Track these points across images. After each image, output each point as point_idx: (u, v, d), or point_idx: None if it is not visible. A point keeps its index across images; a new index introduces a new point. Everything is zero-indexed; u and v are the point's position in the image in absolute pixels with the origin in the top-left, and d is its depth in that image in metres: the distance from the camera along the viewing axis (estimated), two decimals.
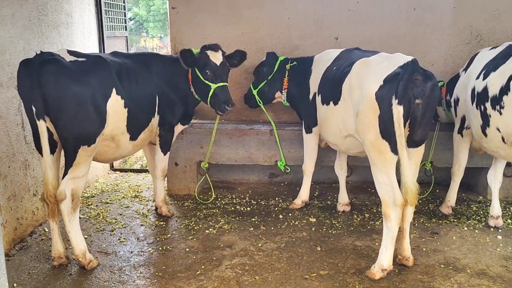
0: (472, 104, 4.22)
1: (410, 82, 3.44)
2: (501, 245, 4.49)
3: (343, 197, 5.26)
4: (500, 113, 3.72)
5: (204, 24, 5.94)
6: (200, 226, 4.92)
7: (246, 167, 6.19)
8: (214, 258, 4.23)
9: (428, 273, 3.98)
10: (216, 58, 4.72)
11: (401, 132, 3.45)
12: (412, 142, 3.68)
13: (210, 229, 4.83)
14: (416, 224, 4.96)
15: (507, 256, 4.27)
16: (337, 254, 4.31)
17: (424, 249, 4.41)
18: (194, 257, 4.27)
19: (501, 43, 5.84)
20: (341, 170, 5.15)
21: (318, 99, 4.52)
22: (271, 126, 5.54)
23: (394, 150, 3.56)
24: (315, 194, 5.88)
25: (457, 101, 4.70)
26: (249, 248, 4.43)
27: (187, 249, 4.41)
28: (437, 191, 5.83)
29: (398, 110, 3.45)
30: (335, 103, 4.10)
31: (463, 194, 5.84)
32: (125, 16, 7.43)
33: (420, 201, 5.58)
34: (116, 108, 4.09)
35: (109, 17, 6.73)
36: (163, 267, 4.10)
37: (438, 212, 5.19)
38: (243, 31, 5.96)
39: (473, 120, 4.26)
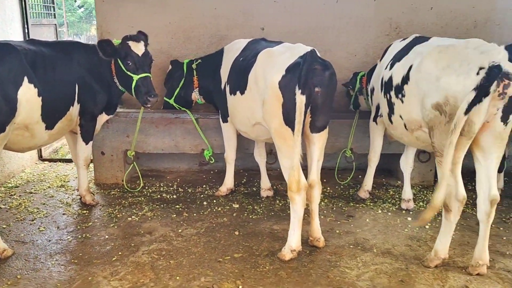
0: (381, 92, 4.45)
1: (310, 72, 3.60)
2: (409, 226, 4.77)
3: (265, 183, 5.43)
4: (402, 101, 3.94)
5: (131, 13, 5.92)
6: (123, 214, 4.95)
7: (175, 155, 6.25)
8: (132, 245, 4.28)
9: (337, 253, 4.19)
10: (138, 48, 4.74)
11: (300, 119, 3.61)
12: (314, 128, 3.87)
13: (133, 217, 4.87)
14: (334, 208, 5.19)
15: (413, 236, 4.55)
16: (253, 237, 4.46)
17: (337, 231, 4.63)
18: (113, 244, 4.30)
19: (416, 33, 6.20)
20: (260, 157, 5.30)
21: (227, 89, 4.65)
22: (197, 114, 5.63)
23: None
24: (243, 181, 6.02)
25: (372, 90, 4.94)
26: (168, 234, 4.51)
27: (107, 237, 4.44)
28: (360, 177, 6.08)
29: (301, 99, 3.61)
30: (242, 93, 4.22)
31: (383, 179, 6.14)
32: (53, 3, 7.25)
33: (341, 186, 5.85)
34: (28, 96, 4.04)
35: (35, 4, 6.56)
36: (80, 254, 4.12)
37: (356, 196, 5.45)
38: (171, 21, 5.98)
39: (383, 108, 4.49)
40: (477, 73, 3.32)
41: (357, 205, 5.28)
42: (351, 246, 4.32)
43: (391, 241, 4.44)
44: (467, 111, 3.29)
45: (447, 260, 4.03)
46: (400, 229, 4.71)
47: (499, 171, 5.62)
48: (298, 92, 3.61)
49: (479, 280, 3.76)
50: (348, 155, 5.69)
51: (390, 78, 4.13)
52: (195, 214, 4.97)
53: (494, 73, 3.26)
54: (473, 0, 6.06)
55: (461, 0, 6.05)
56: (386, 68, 4.38)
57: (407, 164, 5.10)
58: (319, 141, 3.95)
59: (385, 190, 5.79)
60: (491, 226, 4.69)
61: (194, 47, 6.14)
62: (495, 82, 3.26)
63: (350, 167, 5.92)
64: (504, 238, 4.55)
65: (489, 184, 3.66)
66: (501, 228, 4.76)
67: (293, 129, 3.72)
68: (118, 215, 4.91)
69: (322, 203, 5.31)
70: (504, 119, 3.49)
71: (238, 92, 4.31)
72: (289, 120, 3.71)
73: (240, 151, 5.80)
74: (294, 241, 3.98)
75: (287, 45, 4.12)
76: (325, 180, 6.06)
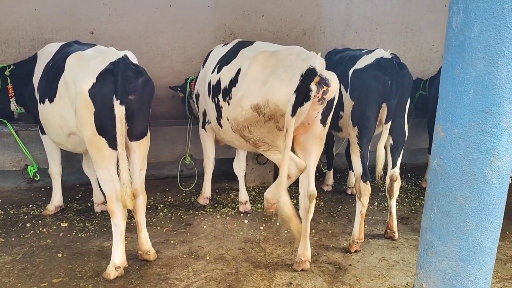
0: (209, 96, 4.41)
1: (123, 79, 3.41)
2: (245, 229, 4.82)
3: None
4: (229, 104, 3.94)
5: None
6: None
7: None
8: None
9: (169, 265, 4.03)
10: None
11: (122, 131, 3.42)
12: (133, 136, 3.69)
13: None
14: (173, 217, 5.04)
15: (247, 238, 4.60)
16: (78, 258, 4.10)
17: (172, 241, 4.48)
18: None
19: (251, 40, 6.36)
20: (89, 169, 4.95)
21: (36, 97, 4.25)
22: (16, 126, 5.06)
23: (113, 145, 3.50)
24: (77, 197, 5.58)
25: (198, 96, 4.89)
26: None
27: None
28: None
29: (120, 110, 3.41)
30: (51, 101, 3.87)
31: (226, 184, 6.18)
32: None
33: (184, 194, 5.74)
34: None
35: None
36: None
37: (196, 203, 5.37)
38: None
39: (211, 113, 4.46)
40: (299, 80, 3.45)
41: (197, 213, 5.20)
42: (185, 256, 4.21)
43: (225, 246, 4.43)
44: (293, 114, 3.39)
45: (275, 260, 4.14)
46: (236, 232, 4.73)
47: (328, 169, 6.01)
48: (116, 102, 3.40)
49: (303, 276, 3.91)
50: (188, 162, 5.60)
51: (218, 82, 4.12)
52: (13, 239, 4.43)
53: (309, 76, 3.40)
54: (301, 10, 6.41)
55: (290, 9, 6.36)
56: (213, 72, 4.36)
57: (240, 167, 5.18)
58: (139, 149, 3.77)
59: (227, 194, 5.81)
60: (320, 221, 5.02)
61: (14, 52, 5.54)
62: (315, 89, 3.42)
63: (193, 174, 5.83)
64: (330, 231, 4.84)
65: (308, 181, 3.85)
66: (328, 223, 5.06)
67: (107, 139, 3.50)
68: None
69: (161, 213, 5.15)
70: (323, 122, 3.70)
71: (47, 100, 3.93)
72: (102, 130, 3.47)
73: (72, 164, 5.37)
74: (117, 257, 3.73)
75: (100, 48, 3.86)
76: (167, 189, 5.92)
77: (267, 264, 4.08)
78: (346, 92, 4.25)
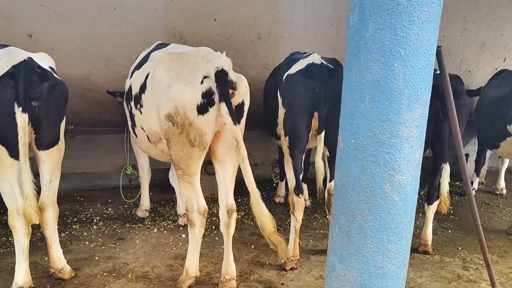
0: (124, 104, 4.15)
1: (25, 84, 3.13)
2: (180, 243, 4.53)
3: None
4: (141, 112, 3.67)
5: None
6: None
7: None
8: None
9: (84, 284, 3.74)
10: None
11: (25, 141, 3.14)
12: (41, 145, 3.40)
13: None
14: (106, 231, 4.75)
15: (179, 254, 4.31)
16: None
17: (97, 257, 4.19)
18: None
19: (203, 44, 6.10)
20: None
21: None
22: None
23: (14, 155, 3.21)
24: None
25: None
26: None
27: None
28: (151, 194, 5.74)
29: (23, 118, 3.13)
30: None
31: (174, 195, 5.88)
32: None
33: (126, 206, 5.45)
34: None
35: None
36: None
37: (135, 216, 5.08)
38: None
39: (128, 121, 4.17)
40: (201, 82, 3.20)
41: (134, 226, 4.91)
42: (105, 274, 3.91)
43: (152, 262, 4.14)
44: (234, 120, 3.17)
45: (203, 278, 3.85)
46: (169, 248, 4.44)
47: (281, 180, 5.73)
48: (18, 109, 3.12)
49: None
50: (130, 172, 5.31)
51: (130, 88, 3.85)
52: None
53: (221, 78, 3.15)
54: (256, 13, 6.16)
55: (244, 13, 6.10)
56: (129, 77, 4.10)
57: (175, 178, 4.89)
58: (48, 159, 3.48)
59: (172, 206, 5.53)
60: (263, 236, 4.72)
61: None
62: (223, 89, 3.16)
63: (138, 185, 5.54)
64: (271, 247, 4.52)
65: (226, 195, 3.58)
66: None
67: (8, 148, 3.22)
68: None
69: (95, 226, 4.86)
70: None
71: None
72: (2, 138, 3.19)
73: None
74: (20, 277, 3.44)
75: (9, 50, 3.56)
76: (110, 201, 5.63)
77: (191, 284, 3.78)
78: (280, 99, 3.99)
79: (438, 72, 4.64)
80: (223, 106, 3.10)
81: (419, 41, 2.09)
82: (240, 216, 5.27)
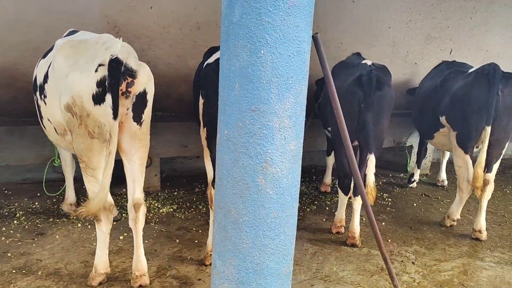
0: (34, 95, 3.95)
1: None
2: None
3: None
4: (45, 103, 3.50)
5: None
6: None
7: None
8: None
9: None
10: None
11: None
12: None
13: None
14: (27, 226, 4.56)
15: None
16: None
17: (9, 254, 4.01)
18: None
19: (138, 33, 5.92)
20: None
21: None
22: None
23: None
24: None
25: None
26: None
27: None
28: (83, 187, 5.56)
29: None
30: None
31: (124, 189, 5.71)
32: None
33: (54, 200, 5.26)
34: None
35: None
36: None
37: (60, 210, 4.91)
38: None
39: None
40: (96, 70, 3.05)
41: (58, 220, 4.74)
42: (14, 271, 3.74)
43: (68, 259, 3.98)
44: (114, 114, 3.00)
45: (117, 274, 3.72)
46: (89, 243, 4.28)
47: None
48: None
49: None
50: (57, 164, 5.12)
51: (35, 78, 3.67)
52: None
53: (114, 69, 3.00)
54: (195, 2, 6.00)
55: (181, 1, 5.94)
56: (36, 67, 3.91)
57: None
58: None
59: None
60: (192, 229, 4.62)
61: None
62: (113, 80, 3.01)
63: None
64: (196, 241, 4.44)
65: (133, 188, 3.44)
66: (200, 231, 4.66)
67: None
68: None
69: (16, 221, 4.67)
70: (137, 119, 3.29)
71: None
72: None
73: None
74: None
75: None
76: (38, 194, 5.42)
77: (102, 281, 3.64)
78: (200, 89, 3.86)
79: (365, 62, 4.61)
80: (108, 96, 2.95)
81: (286, 27, 1.99)
82: (172, 210, 5.15)
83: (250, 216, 2.17)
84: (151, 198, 5.43)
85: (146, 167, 5.47)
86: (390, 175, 6.91)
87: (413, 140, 6.81)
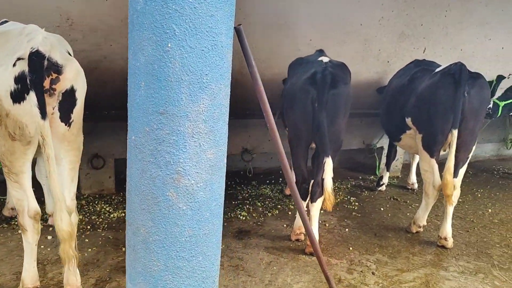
0: None
1: None
2: (42, 246, 4.08)
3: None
4: None
5: None
6: None
7: None
8: None
9: None
10: None
11: None
12: None
13: None
14: None
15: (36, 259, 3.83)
16: None
17: None
18: None
19: (93, 27, 5.58)
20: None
21: None
22: None
23: None
24: None
25: None
26: None
27: None
28: None
29: None
30: None
31: None
32: None
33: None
34: None
35: None
36: None
37: (1, 215, 4.57)
38: None
39: None
40: (14, 65, 2.73)
41: None
42: None
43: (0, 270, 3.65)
44: (42, 114, 2.69)
45: (46, 286, 3.41)
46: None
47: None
48: None
49: None
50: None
51: None
52: None
53: (34, 63, 2.69)
54: None
55: None
56: None
57: (41, 173, 4.40)
58: None
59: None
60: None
61: None
62: (34, 76, 2.70)
63: None
64: None
65: (64, 194, 3.13)
66: None
67: None
68: None
69: None
70: (65, 120, 2.98)
71: None
72: None
73: None
74: None
75: None
76: None
77: None
78: None
79: (321, 59, 4.34)
80: (32, 94, 2.65)
81: (198, 17, 1.71)
82: (124, 215, 4.83)
83: (161, 235, 1.88)
84: (103, 202, 5.12)
85: (99, 168, 5.21)
86: (360, 177, 6.68)
87: (384, 142, 6.58)
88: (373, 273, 3.96)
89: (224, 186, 2.06)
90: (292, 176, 2.72)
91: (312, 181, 4.10)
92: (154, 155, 1.81)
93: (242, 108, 6.02)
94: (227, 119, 1.94)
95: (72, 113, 2.97)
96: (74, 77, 2.90)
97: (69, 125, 2.99)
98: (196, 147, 1.82)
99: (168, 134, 1.78)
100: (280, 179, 6.29)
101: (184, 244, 1.90)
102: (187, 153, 1.81)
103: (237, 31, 1.98)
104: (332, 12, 6.51)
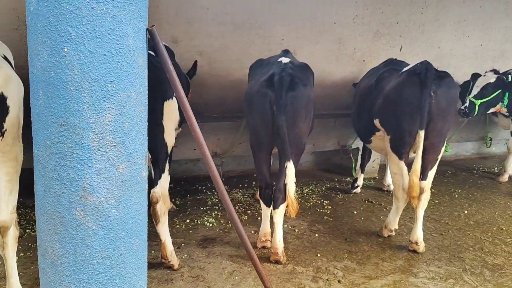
0: None
1: None
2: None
3: None
4: None
5: None
6: None
7: None
8: None
9: None
10: None
11: None
12: None
13: None
14: None
15: None
16: None
17: None
18: None
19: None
20: None
21: None
22: None
23: None
24: None
25: None
26: None
27: None
28: None
29: None
30: None
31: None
32: None
33: None
34: None
35: None
36: None
37: None
38: None
39: None
40: None
41: None
42: None
43: None
44: None
45: None
46: None
47: None
48: None
49: None
50: None
51: None
52: None
53: None
54: None
55: None
56: None
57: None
58: None
59: (31, 211, 4.80)
60: None
61: None
62: None
63: None
64: None
65: None
66: None
67: None
68: None
69: None
70: None
71: None
72: None
73: None
74: None
75: None
76: None
77: None
78: None
79: (280, 60, 4.18)
80: None
81: (97, 19, 1.54)
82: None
83: (69, 257, 1.72)
84: None
85: None
86: (336, 180, 6.54)
87: (360, 143, 6.44)
88: (339, 281, 3.81)
89: (146, 202, 1.89)
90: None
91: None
92: (57, 170, 1.64)
93: (211, 111, 5.86)
94: (145, 129, 1.78)
95: (4, 122, 2.79)
96: (2, 83, 2.72)
97: (2, 135, 2.81)
98: (104, 161, 1.65)
99: (70, 147, 1.62)
100: (253, 183, 6.14)
101: (97, 266, 1.74)
102: (94, 168, 1.65)
103: (151, 32, 1.82)
104: (305, 10, 6.36)
